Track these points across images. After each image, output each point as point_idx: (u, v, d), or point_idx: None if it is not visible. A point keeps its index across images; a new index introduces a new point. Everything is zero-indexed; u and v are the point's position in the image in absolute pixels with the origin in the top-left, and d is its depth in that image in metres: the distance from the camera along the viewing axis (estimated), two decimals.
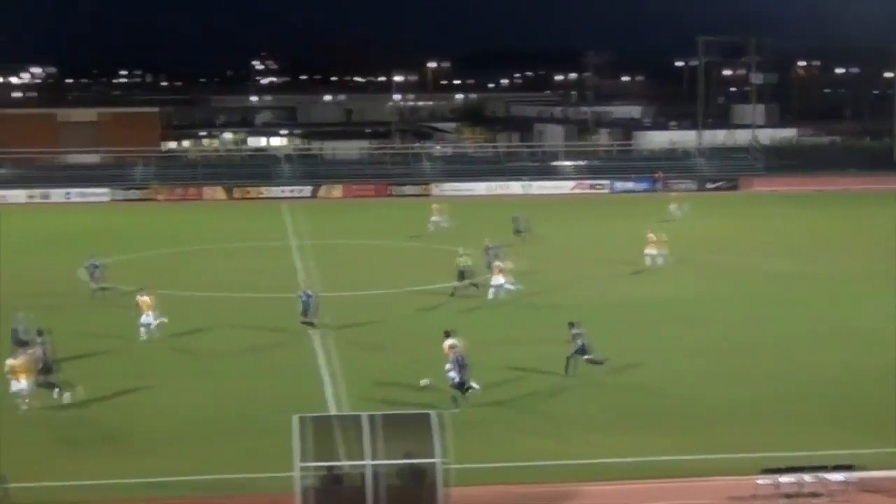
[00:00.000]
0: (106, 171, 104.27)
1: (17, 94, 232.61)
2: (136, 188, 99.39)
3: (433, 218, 71.98)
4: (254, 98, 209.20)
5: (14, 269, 58.93)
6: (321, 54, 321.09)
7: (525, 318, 46.98)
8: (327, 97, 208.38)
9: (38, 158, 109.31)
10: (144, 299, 43.74)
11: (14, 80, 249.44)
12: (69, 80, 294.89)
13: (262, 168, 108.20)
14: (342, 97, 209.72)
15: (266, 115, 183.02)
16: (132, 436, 31.77)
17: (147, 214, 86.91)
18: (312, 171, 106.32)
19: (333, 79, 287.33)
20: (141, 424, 32.79)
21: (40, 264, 61.39)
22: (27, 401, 33.39)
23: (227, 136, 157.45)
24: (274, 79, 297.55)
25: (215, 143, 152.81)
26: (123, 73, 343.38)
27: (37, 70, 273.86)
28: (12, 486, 25.45)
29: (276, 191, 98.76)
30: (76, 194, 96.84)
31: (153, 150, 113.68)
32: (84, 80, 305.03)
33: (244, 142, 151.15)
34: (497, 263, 51.34)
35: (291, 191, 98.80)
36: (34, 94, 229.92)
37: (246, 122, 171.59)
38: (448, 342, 35.08)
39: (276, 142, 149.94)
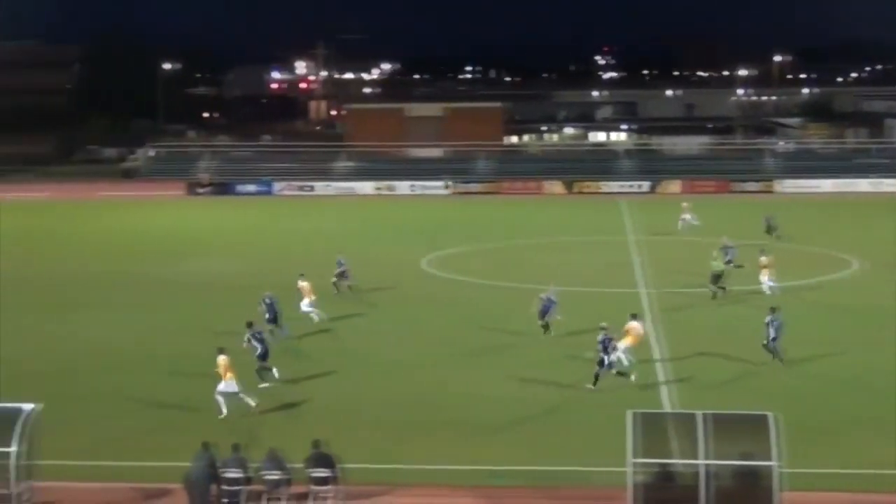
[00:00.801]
0: (449, 165, 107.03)
1: (367, 90, 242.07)
2: (478, 181, 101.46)
3: (684, 216, 70.51)
4: (595, 93, 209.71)
5: (361, 258, 61.34)
6: (662, 49, 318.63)
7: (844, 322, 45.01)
8: (668, 92, 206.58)
9: (386, 152, 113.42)
10: (304, 285, 44.73)
11: (365, 76, 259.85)
12: (416, 77, 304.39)
13: (602, 163, 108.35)
14: (683, 92, 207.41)
15: (606, 110, 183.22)
16: (468, 422, 32.36)
17: (488, 208, 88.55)
18: (651, 166, 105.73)
19: (675, 73, 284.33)
20: (477, 411, 33.38)
21: (385, 254, 63.50)
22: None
23: (568, 130, 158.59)
24: (614, 74, 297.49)
25: (555, 137, 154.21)
26: (468, 69, 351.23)
27: (386, 67, 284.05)
28: (349, 466, 26.36)
29: (614, 186, 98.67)
30: (419, 187, 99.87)
31: (495, 145, 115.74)
32: (429, 77, 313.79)
33: (584, 137, 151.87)
34: (763, 259, 50.02)
35: (630, 186, 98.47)
36: (383, 90, 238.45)
37: (586, 118, 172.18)
38: (630, 324, 37.16)
39: (615, 137, 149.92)
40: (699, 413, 24.88)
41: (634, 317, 38.30)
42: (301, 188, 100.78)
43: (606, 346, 35.27)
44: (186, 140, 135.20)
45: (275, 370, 36.19)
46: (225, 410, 32.36)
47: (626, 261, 59.65)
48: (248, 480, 25.53)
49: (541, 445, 30.31)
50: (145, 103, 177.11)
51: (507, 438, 30.96)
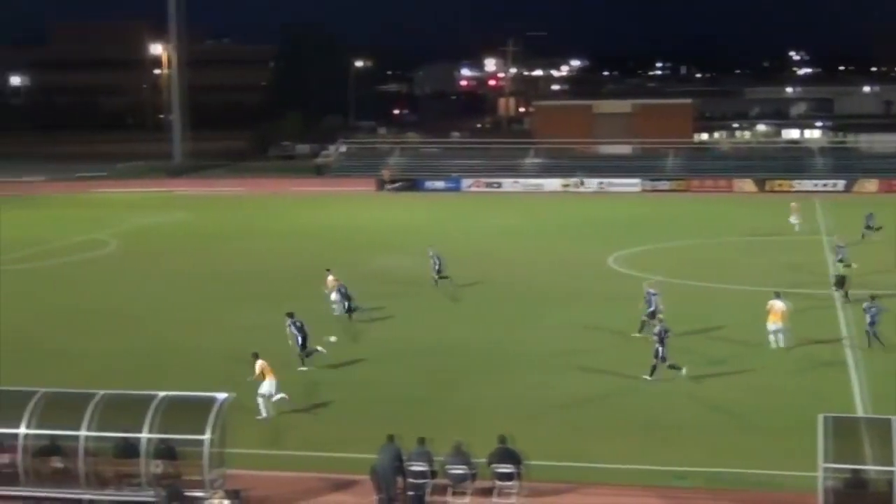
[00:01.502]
0: (638, 162, 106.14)
1: (555, 87, 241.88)
2: (667, 179, 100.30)
3: (792, 218, 68.55)
4: (788, 89, 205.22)
5: (548, 255, 61.37)
6: (859, 45, 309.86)
7: None
8: (865, 88, 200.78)
9: (574, 148, 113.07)
10: (331, 279, 45.50)
11: (554, 73, 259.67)
12: (605, 73, 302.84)
13: (795, 161, 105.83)
14: (881, 88, 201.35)
15: (800, 106, 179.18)
16: (652, 422, 32.04)
17: (677, 205, 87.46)
18: (847, 164, 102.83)
19: (872, 69, 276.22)
20: (661, 411, 33.03)
21: (572, 251, 63.30)
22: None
23: (760, 127, 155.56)
24: (809, 70, 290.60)
25: (747, 135, 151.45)
26: (658, 65, 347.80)
27: (575, 63, 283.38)
28: (533, 463, 26.36)
29: (807, 184, 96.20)
30: (608, 184, 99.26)
31: (685, 142, 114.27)
32: (619, 73, 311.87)
33: (777, 134, 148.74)
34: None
35: (824, 185, 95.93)
36: (571, 86, 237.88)
37: (780, 114, 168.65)
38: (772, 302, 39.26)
39: (809, 134, 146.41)
40: (895, 418, 24.13)
41: (777, 295, 40.21)
42: (489, 185, 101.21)
43: (663, 338, 35.72)
44: (377, 136, 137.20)
45: (319, 348, 37.87)
46: (264, 413, 32.11)
47: (820, 261, 58.18)
48: (433, 474, 25.77)
49: (723, 447, 29.80)
50: (337, 100, 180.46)
51: (689, 438, 30.53)
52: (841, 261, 52.17)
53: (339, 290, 45.22)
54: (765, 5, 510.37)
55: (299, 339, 37.81)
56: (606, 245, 64.06)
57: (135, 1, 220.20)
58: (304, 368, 37.45)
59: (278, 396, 32.73)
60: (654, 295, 42.06)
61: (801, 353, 39.17)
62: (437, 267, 51.83)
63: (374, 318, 45.71)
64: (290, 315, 38.47)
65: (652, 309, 41.28)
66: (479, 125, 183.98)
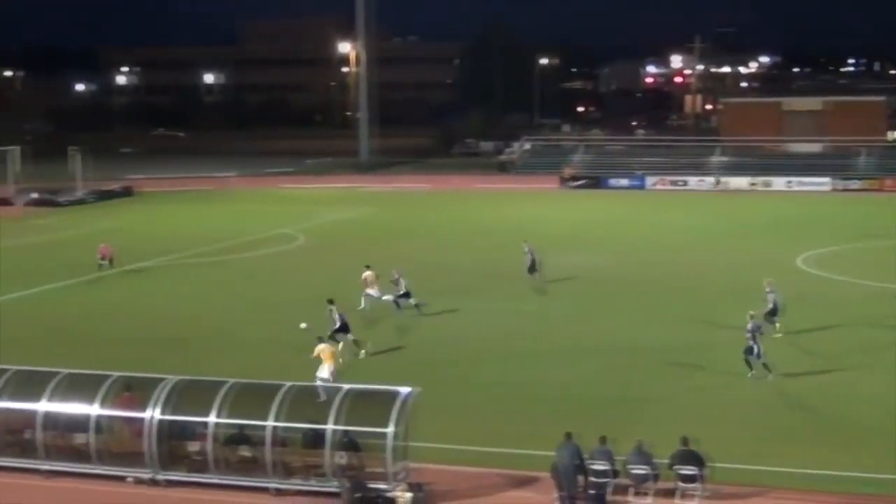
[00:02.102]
0: (828, 161, 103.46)
1: (743, 84, 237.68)
2: (859, 178, 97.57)
3: None
4: None
5: (734, 254, 60.37)
6: None
7: None
8: None
9: (762, 146, 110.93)
10: (368, 274, 45.80)
11: (742, 70, 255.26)
12: (795, 70, 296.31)
13: None
14: None
15: None
16: (841, 426, 31.21)
17: (869, 205, 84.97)
18: None
19: None
20: (851, 415, 32.14)
21: (759, 251, 62.08)
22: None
23: None
24: None
25: None
26: (850, 61, 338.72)
27: (764, 60, 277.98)
28: (717, 465, 25.95)
29: None
30: (796, 183, 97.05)
31: (878, 140, 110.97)
32: (810, 70, 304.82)
33: None
34: None
35: None
36: (760, 83, 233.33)
37: None
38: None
39: None
40: None
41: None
42: (674, 183, 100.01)
43: (755, 335, 35.68)
44: (561, 134, 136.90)
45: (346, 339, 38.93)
46: (322, 396, 31.13)
47: None
48: (615, 473, 25.59)
49: None
50: (522, 98, 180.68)
51: (878, 444, 29.58)
52: None
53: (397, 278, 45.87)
54: None
55: (337, 324, 39.05)
56: (795, 245, 62.72)
57: (324, 0, 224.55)
58: (362, 352, 38.99)
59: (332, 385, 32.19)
60: (769, 293, 41.73)
61: None
62: (531, 261, 52.12)
63: (554, 315, 45.72)
64: (331, 301, 39.81)
65: (772, 306, 41.17)
66: (664, 122, 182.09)
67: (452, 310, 46.94)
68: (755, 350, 35.62)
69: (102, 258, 56.93)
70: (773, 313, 40.89)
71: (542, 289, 50.83)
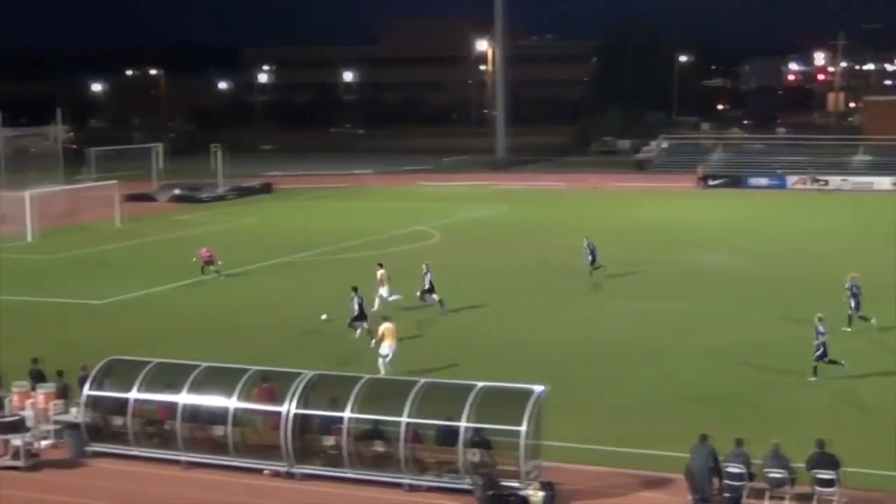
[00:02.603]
0: None
1: (888, 82, 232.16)
2: None
3: None
4: None
5: (873, 255, 59.02)
6: None
7: None
8: None
9: None
10: (381, 272, 46.19)
11: (888, 66, 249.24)
12: None
13: None
14: None
15: None
16: None
17: None
18: None
19: None
20: None
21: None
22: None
23: None
24: None
25: None
26: None
27: None
28: (848, 470, 25.42)
29: None
30: None
31: None
32: None
33: None
34: None
35: None
36: None
37: None
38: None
39: None
40: None
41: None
42: (815, 182, 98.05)
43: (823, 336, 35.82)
44: (699, 132, 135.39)
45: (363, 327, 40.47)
46: (383, 371, 35.34)
47: None
48: (751, 476, 25.22)
49: None
50: (659, 95, 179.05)
51: None
52: None
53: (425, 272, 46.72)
54: None
55: (356, 309, 40.75)
56: None
57: None
58: (356, 334, 40.80)
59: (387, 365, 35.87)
60: (848, 287, 42.11)
61: None
62: (590, 258, 52.82)
63: (687, 315, 45.30)
64: (355, 289, 41.47)
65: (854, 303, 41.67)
66: (805, 121, 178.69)
67: (587, 309, 46.78)
68: (822, 351, 35.48)
69: (208, 261, 55.01)
70: (856, 309, 41.80)
71: (668, 289, 50.36)
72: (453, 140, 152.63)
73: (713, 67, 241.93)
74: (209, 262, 55.16)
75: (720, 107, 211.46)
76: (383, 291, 45.87)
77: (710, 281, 53.09)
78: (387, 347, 36.08)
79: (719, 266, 57.25)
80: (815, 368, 35.51)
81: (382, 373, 35.20)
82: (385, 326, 36.59)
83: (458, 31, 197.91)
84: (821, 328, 35.75)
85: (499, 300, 49.23)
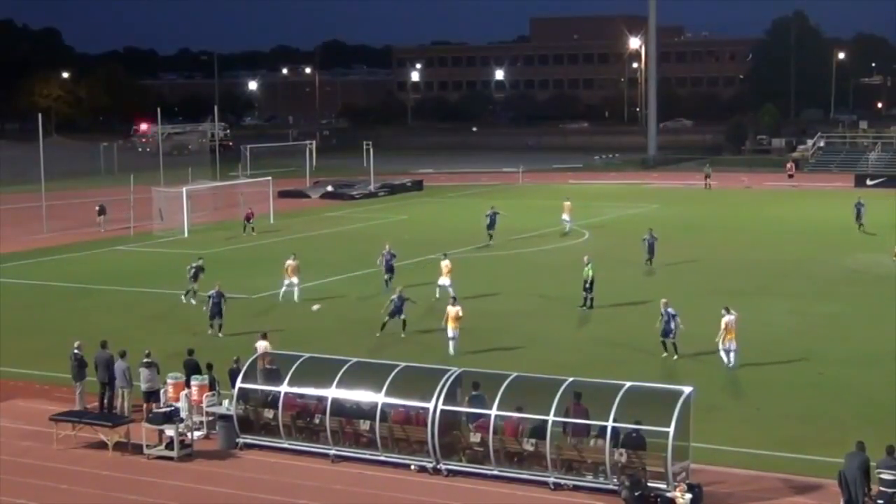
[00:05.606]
0: None
1: None
2: None
3: None
4: None
5: None
6: None
7: None
8: None
9: None
10: (291, 263, 48.30)
11: None
12: None
13: None
14: None
15: None
16: None
17: None
18: None
19: None
20: None
21: None
22: None
23: None
24: None
25: None
26: None
27: None
28: None
29: None
30: None
31: None
32: None
33: None
34: None
35: None
36: None
37: None
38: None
39: None
40: None
41: None
42: None
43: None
44: (857, 131, 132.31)
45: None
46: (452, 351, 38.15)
47: None
48: None
49: None
50: (817, 93, 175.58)
51: None
52: None
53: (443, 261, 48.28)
54: None
55: (391, 308, 41.41)
56: None
57: None
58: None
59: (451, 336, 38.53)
60: None
61: None
62: (648, 249, 56.01)
63: (847, 317, 44.38)
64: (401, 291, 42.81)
65: None
66: None
67: (744, 311, 46.10)
68: None
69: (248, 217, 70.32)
70: None
71: (825, 290, 49.40)
72: (605, 138, 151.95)
73: (873, 65, 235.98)
74: (248, 218, 69.77)
75: (879, 105, 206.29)
76: (443, 281, 47.71)
77: (868, 283, 51.88)
78: (451, 330, 38.75)
79: (877, 267, 55.92)
80: None
81: (452, 353, 38.05)
82: (450, 310, 39.04)
83: (611, 28, 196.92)
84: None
85: (641, 299, 48.58)
